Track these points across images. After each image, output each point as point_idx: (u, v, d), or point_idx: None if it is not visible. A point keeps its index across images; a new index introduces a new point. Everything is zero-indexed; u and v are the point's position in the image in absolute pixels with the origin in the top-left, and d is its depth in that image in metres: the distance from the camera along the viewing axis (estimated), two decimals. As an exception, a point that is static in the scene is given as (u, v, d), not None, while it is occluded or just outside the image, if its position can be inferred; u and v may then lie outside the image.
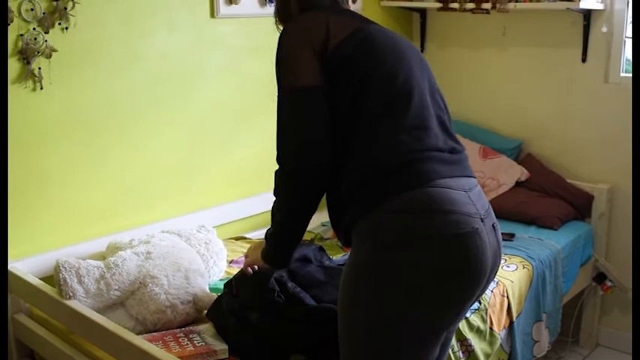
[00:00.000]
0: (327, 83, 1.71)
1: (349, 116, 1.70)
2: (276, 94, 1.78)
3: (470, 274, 1.63)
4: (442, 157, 1.67)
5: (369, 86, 1.69)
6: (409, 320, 1.63)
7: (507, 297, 2.64)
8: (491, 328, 2.51)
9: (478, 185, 1.75)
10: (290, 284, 2.05)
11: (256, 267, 2.05)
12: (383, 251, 1.61)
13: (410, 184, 1.62)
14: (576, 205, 3.41)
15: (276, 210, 1.84)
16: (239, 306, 2.05)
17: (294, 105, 1.72)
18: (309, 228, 2.95)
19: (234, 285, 2.12)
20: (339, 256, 2.61)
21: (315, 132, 1.69)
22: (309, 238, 3.04)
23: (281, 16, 1.97)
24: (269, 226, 1.89)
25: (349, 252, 1.76)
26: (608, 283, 3.39)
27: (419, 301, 1.61)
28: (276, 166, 1.77)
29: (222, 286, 2.23)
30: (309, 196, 1.77)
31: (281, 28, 1.94)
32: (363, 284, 1.65)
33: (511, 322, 2.67)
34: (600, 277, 3.43)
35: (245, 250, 2.81)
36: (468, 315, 2.41)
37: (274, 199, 1.84)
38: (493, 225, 1.71)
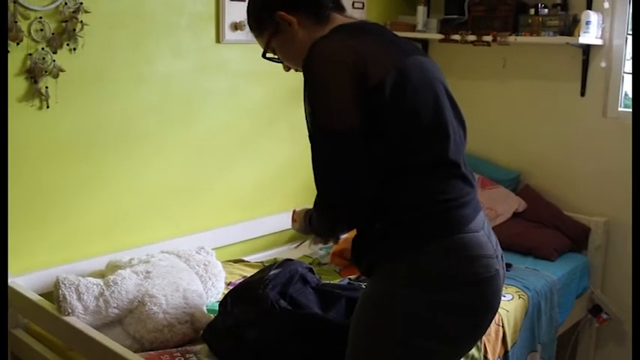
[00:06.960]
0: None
1: (386, 161, 1.66)
2: (306, 127, 1.68)
3: (491, 313, 1.73)
4: (469, 200, 1.71)
5: (407, 143, 1.66)
6: (429, 354, 1.66)
7: (502, 326, 2.65)
8: (485, 357, 2.52)
9: (485, 215, 1.79)
10: (282, 301, 2.07)
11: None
12: (418, 292, 1.64)
13: (448, 231, 1.65)
14: (573, 237, 3.43)
15: (316, 221, 1.89)
16: (234, 323, 2.05)
17: (335, 146, 1.63)
18: (307, 253, 2.98)
19: (228, 302, 2.13)
20: (336, 282, 2.62)
21: (358, 171, 1.63)
22: (307, 263, 3.06)
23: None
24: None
25: (366, 283, 1.78)
26: (604, 316, 3.41)
27: (443, 337, 1.66)
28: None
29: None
30: (349, 226, 1.79)
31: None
32: (388, 314, 1.66)
33: (506, 352, 2.67)
34: (596, 309, 3.44)
35: (243, 273, 2.83)
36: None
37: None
38: (502, 256, 1.77)
